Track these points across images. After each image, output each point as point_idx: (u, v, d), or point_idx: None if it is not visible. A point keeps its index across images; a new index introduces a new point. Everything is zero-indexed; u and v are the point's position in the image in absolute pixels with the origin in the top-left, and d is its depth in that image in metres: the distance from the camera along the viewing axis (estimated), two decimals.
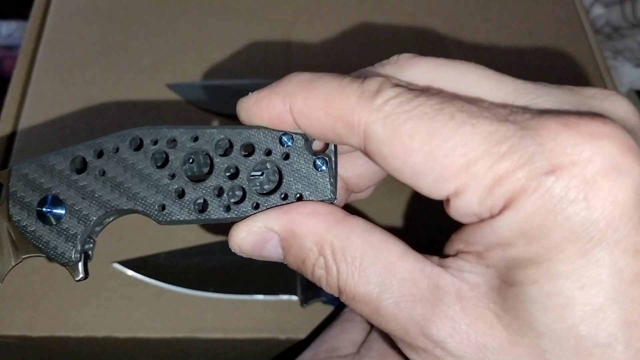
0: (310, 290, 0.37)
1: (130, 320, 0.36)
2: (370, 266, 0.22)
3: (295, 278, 0.37)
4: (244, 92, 0.44)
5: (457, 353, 0.21)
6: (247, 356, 0.38)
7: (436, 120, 0.20)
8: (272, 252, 0.24)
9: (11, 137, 0.41)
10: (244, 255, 0.24)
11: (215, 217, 0.24)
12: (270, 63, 0.47)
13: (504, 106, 0.21)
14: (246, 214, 0.24)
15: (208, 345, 0.36)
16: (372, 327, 0.33)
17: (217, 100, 0.44)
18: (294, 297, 0.37)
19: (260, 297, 0.37)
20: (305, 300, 0.37)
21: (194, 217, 0.24)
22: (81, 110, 0.43)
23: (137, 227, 0.38)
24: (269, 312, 0.37)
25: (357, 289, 0.22)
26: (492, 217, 0.20)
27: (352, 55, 0.49)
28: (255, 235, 0.23)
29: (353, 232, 0.22)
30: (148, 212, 0.24)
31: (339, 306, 0.36)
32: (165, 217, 0.24)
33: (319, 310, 0.37)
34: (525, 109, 0.21)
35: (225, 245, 0.38)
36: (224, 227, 0.39)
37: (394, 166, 0.21)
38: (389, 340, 0.31)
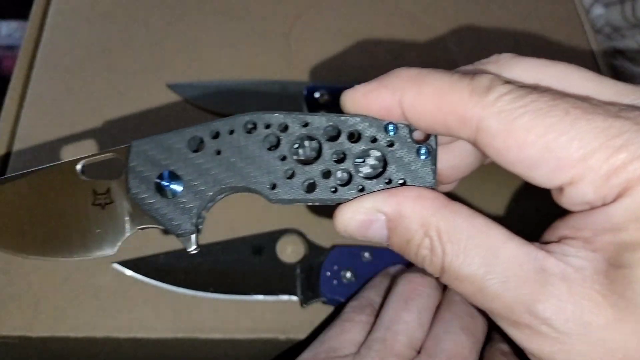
0: (310, 291, 0.37)
1: (130, 321, 0.36)
2: (475, 248, 0.23)
3: (294, 278, 0.37)
4: (243, 92, 0.44)
5: (563, 329, 0.22)
6: (246, 356, 0.38)
7: (551, 115, 0.22)
8: (376, 232, 0.25)
9: (11, 137, 0.41)
10: (347, 236, 0.26)
11: (322, 198, 0.25)
12: (270, 63, 0.47)
13: (612, 104, 0.23)
14: (351, 196, 0.25)
15: (208, 345, 0.36)
16: (372, 327, 0.33)
17: (217, 100, 0.44)
18: (294, 298, 0.37)
19: (260, 297, 0.37)
20: (305, 301, 0.37)
21: (302, 197, 0.26)
22: (81, 110, 0.43)
23: None
24: (269, 312, 0.37)
25: (461, 270, 0.23)
26: (604, 204, 0.22)
27: (352, 56, 0.49)
28: (362, 216, 0.25)
29: (458, 216, 0.24)
30: (259, 190, 0.25)
31: (338, 306, 0.36)
32: (275, 196, 0.25)
33: (319, 311, 0.37)
34: (632, 107, 0.23)
35: (225, 245, 0.38)
36: (222, 228, 0.39)
37: (508, 158, 0.23)
38: (389, 341, 0.31)
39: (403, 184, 0.25)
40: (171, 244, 0.38)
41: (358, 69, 0.48)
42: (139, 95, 0.44)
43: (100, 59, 0.46)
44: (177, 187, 0.25)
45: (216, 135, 0.26)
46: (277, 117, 0.26)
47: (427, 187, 0.25)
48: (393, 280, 0.35)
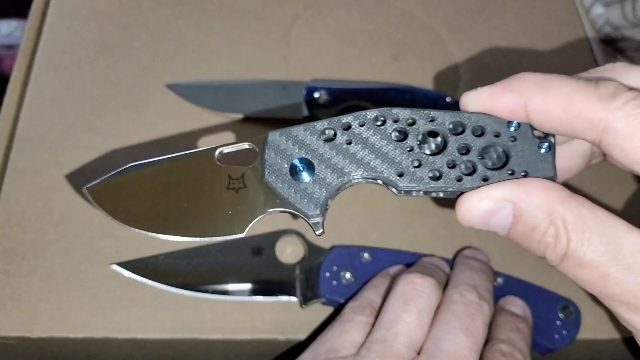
0: (309, 291, 0.37)
1: (129, 321, 0.36)
2: (599, 237, 0.25)
3: (294, 279, 0.37)
4: (243, 92, 0.44)
5: None
6: (246, 357, 0.38)
7: None
8: (500, 220, 0.27)
9: (10, 136, 0.41)
10: (466, 224, 0.27)
11: (447, 186, 0.27)
12: (270, 63, 0.47)
13: None
14: (475, 185, 0.27)
15: (207, 346, 0.36)
16: (371, 328, 0.33)
17: (217, 100, 0.44)
18: (293, 298, 0.37)
19: (260, 298, 0.36)
20: (304, 301, 0.37)
21: (428, 185, 0.27)
22: (80, 110, 0.43)
23: None
24: (269, 313, 0.37)
25: (585, 256, 0.25)
26: None
27: (351, 56, 0.49)
28: (488, 203, 0.26)
29: (583, 207, 0.25)
30: (387, 177, 0.27)
31: (338, 307, 0.36)
32: (403, 183, 0.27)
33: (319, 311, 0.37)
34: None
35: (224, 246, 0.38)
36: None
37: (634, 159, 0.25)
38: (389, 341, 0.31)
39: (525, 176, 0.27)
40: (170, 245, 0.38)
41: (358, 69, 0.48)
42: (139, 95, 0.44)
43: (100, 59, 0.46)
44: (309, 174, 0.27)
45: (347, 127, 0.28)
46: (405, 112, 0.28)
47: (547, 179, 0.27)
48: (392, 281, 0.35)
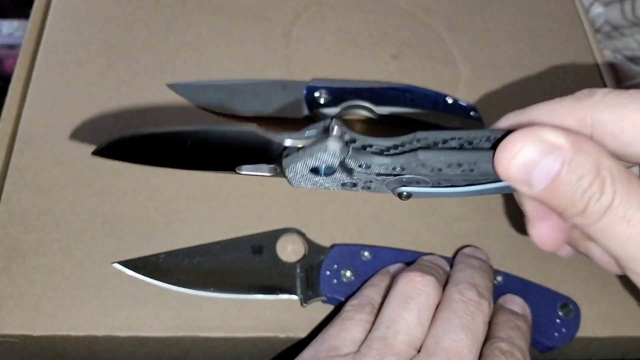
0: (310, 290, 0.37)
1: (131, 320, 0.36)
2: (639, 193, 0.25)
3: (294, 277, 0.37)
4: (244, 92, 0.44)
5: None
6: (247, 355, 0.38)
7: None
8: (546, 168, 0.25)
9: (12, 136, 0.41)
10: (505, 176, 0.26)
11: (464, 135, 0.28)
12: (270, 63, 0.48)
13: None
14: (498, 135, 0.28)
15: (208, 344, 0.36)
16: (372, 326, 0.33)
17: (217, 100, 0.44)
18: (294, 297, 0.37)
19: (260, 296, 0.37)
20: (305, 300, 0.37)
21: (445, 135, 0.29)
22: (81, 110, 0.43)
23: (137, 227, 0.38)
24: (269, 311, 0.37)
25: (630, 209, 0.25)
26: None
27: (351, 55, 0.49)
28: (540, 145, 0.25)
29: (622, 165, 0.26)
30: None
31: (338, 305, 0.36)
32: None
33: (319, 309, 0.37)
34: None
35: (225, 245, 0.38)
36: (222, 228, 0.39)
37: (626, 140, 0.26)
38: (389, 339, 0.31)
39: None
40: (171, 244, 0.38)
41: (358, 69, 0.48)
42: (139, 95, 0.44)
43: (100, 59, 0.46)
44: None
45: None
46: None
47: None
48: (393, 279, 0.35)
